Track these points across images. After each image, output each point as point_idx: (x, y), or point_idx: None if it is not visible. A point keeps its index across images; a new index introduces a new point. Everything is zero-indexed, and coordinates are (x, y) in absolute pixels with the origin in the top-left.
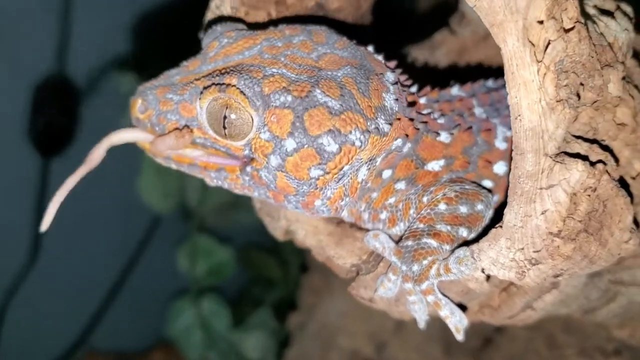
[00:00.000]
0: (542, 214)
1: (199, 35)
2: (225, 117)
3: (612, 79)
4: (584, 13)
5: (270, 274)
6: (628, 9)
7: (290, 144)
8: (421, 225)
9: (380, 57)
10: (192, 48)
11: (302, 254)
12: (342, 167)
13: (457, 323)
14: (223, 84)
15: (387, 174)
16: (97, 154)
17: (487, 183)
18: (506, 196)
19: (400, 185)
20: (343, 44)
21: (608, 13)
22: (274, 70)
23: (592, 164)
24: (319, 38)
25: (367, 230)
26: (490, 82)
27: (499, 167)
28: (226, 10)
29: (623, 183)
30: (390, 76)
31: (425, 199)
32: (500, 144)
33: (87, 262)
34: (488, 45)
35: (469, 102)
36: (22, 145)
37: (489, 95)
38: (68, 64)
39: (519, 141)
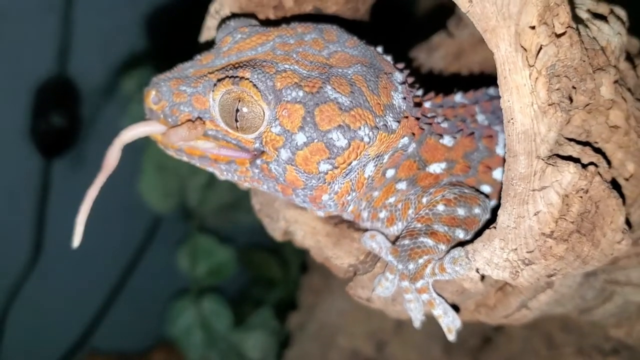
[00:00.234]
0: (535, 215)
1: (198, 39)
2: (237, 110)
3: (605, 82)
4: (576, 17)
5: (270, 274)
6: (621, 12)
7: (300, 138)
8: (419, 225)
9: (389, 58)
10: (194, 49)
11: (302, 254)
12: (351, 162)
13: (450, 323)
14: (236, 77)
15: (390, 173)
16: (112, 157)
17: (486, 188)
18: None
19: (401, 186)
20: (353, 43)
21: (601, 17)
22: (286, 66)
23: (584, 166)
24: (330, 36)
25: (366, 229)
26: (492, 90)
27: (499, 174)
28: (225, 15)
29: (615, 185)
30: (398, 76)
31: (424, 200)
32: (501, 151)
33: (88, 262)
34: (485, 48)
35: (471, 109)
36: (24, 146)
37: (491, 103)
38: (70, 65)
39: (512, 144)
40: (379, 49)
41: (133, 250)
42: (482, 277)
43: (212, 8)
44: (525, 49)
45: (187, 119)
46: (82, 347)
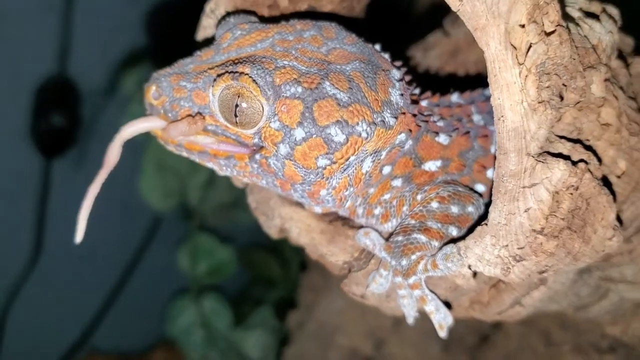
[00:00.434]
0: (525, 211)
1: (195, 38)
2: (236, 106)
3: (595, 80)
4: (567, 16)
5: (270, 273)
6: (614, 11)
7: (299, 133)
8: (412, 222)
9: (386, 56)
10: (193, 48)
11: (301, 253)
12: (349, 158)
13: (442, 320)
14: (236, 72)
15: (387, 169)
16: (113, 154)
17: (480, 187)
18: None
19: (397, 183)
20: (352, 40)
21: (593, 16)
22: (285, 62)
23: (575, 163)
24: (329, 33)
25: (360, 225)
26: (488, 91)
27: (493, 173)
28: (220, 14)
29: (607, 182)
30: (396, 73)
31: (419, 197)
32: None
33: (88, 262)
34: None
35: (467, 109)
36: (24, 146)
37: (487, 103)
38: (70, 64)
39: (502, 141)
40: (377, 47)
41: (133, 250)
42: (475, 274)
43: (208, 7)
44: (515, 47)
45: (187, 114)
46: (82, 347)
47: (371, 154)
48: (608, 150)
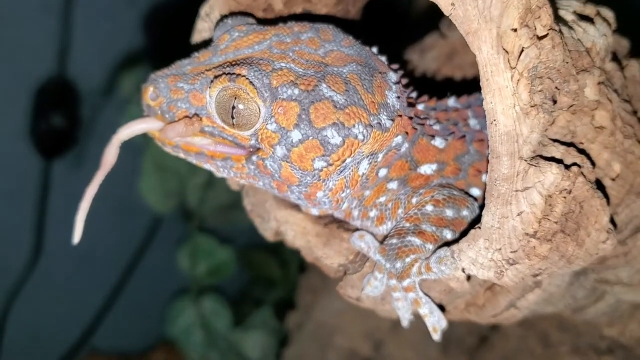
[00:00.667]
0: (518, 215)
1: (190, 41)
2: (233, 107)
3: (589, 83)
4: (561, 19)
5: (270, 274)
6: (608, 14)
7: (295, 135)
8: (407, 224)
9: (383, 58)
10: (191, 50)
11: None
12: (345, 160)
13: (435, 323)
14: (233, 74)
15: (383, 172)
16: (111, 155)
17: (475, 191)
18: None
19: (392, 185)
20: (349, 43)
21: (587, 19)
22: (282, 64)
23: (567, 166)
24: (326, 36)
25: (356, 228)
26: None
27: None
28: (216, 18)
29: (600, 185)
30: (392, 76)
31: (414, 200)
32: None
33: (88, 262)
34: None
35: (464, 113)
36: (24, 147)
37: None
38: (69, 65)
39: (495, 145)
40: (374, 49)
41: (133, 250)
42: (468, 277)
43: (203, 11)
44: (507, 51)
45: (184, 115)
46: (82, 347)
47: (368, 156)
48: (602, 153)
